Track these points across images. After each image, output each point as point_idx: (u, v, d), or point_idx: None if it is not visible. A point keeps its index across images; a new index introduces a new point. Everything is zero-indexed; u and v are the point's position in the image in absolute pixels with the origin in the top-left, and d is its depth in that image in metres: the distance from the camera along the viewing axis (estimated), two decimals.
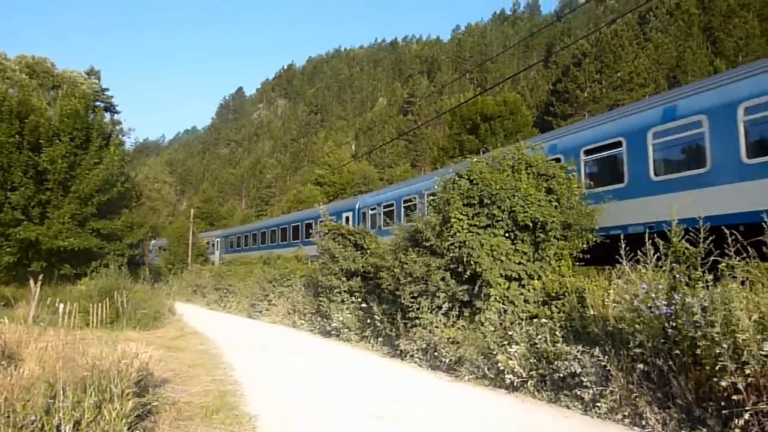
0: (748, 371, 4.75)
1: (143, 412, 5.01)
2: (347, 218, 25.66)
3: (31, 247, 22.20)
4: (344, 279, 13.91)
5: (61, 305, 13.49)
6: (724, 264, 5.91)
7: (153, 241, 47.22)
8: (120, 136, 35.37)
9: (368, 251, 13.85)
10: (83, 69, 48.37)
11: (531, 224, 8.86)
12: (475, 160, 10.11)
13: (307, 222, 29.72)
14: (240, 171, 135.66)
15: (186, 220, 48.81)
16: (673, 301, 5.73)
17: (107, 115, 37.66)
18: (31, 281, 15.05)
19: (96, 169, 23.62)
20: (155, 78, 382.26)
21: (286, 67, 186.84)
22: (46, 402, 3.65)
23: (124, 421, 3.78)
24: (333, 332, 14.17)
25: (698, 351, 5.23)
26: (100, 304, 14.82)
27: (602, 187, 11.53)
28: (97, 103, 35.81)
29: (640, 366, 5.82)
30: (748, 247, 5.88)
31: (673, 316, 5.66)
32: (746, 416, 4.69)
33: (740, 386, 4.78)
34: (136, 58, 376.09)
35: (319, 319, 15.35)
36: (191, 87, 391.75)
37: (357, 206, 25.61)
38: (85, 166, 23.53)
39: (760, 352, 4.70)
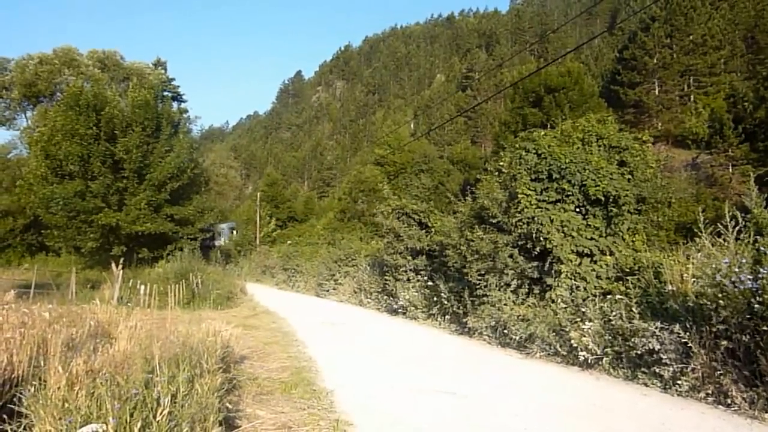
0: None
1: (229, 387, 5.30)
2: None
3: (111, 232, 23.68)
4: (409, 258, 14.02)
5: (142, 287, 14.35)
6: None
7: (222, 225, 49.60)
8: (187, 125, 36.97)
9: (433, 229, 13.88)
10: (150, 60, 50.53)
11: (603, 198, 8.60)
12: (542, 133, 9.88)
13: None
14: (301, 154, 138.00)
15: (252, 204, 50.36)
16: (759, 275, 5.45)
17: (175, 105, 39.30)
18: (113, 264, 16.02)
19: (168, 156, 24.81)
20: (217, 66, 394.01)
21: (343, 48, 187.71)
22: (145, 377, 3.95)
23: (215, 394, 4.03)
24: (399, 310, 14.35)
25: None
26: (176, 286, 15.63)
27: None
28: (165, 93, 37.30)
29: (724, 343, 5.59)
30: None
31: (759, 291, 5.39)
32: None
33: None
34: (197, 48, 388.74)
35: (385, 297, 15.59)
36: (252, 73, 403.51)
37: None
38: (157, 154, 24.73)
39: None
